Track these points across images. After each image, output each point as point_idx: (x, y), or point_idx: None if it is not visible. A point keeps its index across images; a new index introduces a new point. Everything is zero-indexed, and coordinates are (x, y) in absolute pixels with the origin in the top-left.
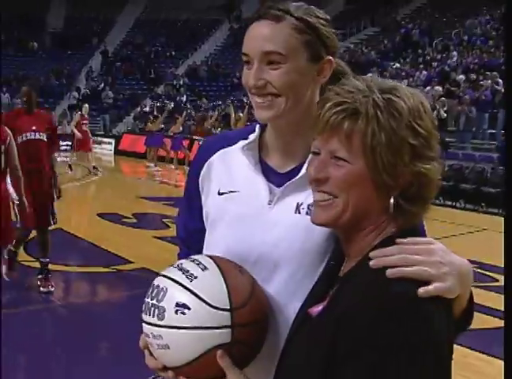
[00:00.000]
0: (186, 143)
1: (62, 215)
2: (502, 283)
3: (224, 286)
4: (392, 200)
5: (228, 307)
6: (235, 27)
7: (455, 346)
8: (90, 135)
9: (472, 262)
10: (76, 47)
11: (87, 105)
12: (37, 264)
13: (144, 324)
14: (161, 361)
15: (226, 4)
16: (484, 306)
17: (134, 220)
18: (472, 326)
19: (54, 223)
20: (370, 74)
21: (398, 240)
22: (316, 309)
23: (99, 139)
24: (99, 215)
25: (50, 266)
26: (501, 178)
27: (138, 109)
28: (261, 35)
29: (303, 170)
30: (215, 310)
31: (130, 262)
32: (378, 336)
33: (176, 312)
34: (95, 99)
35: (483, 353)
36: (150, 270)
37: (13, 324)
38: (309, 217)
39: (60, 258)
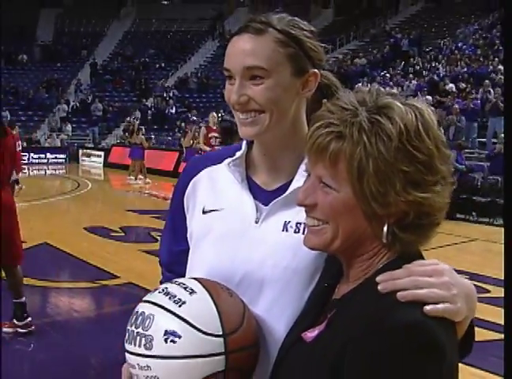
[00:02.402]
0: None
1: (48, 229)
2: (494, 294)
3: (215, 310)
4: (385, 229)
5: (221, 333)
6: (224, 38)
7: None
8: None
9: (462, 273)
10: (65, 60)
11: (214, 113)
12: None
13: (128, 355)
14: None
15: (215, 16)
16: (476, 319)
17: (122, 234)
18: None
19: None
20: (359, 84)
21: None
22: (311, 334)
23: (89, 152)
24: (86, 228)
25: (36, 282)
26: (492, 187)
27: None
28: (242, 50)
29: (291, 188)
30: (207, 337)
31: (117, 277)
32: (387, 367)
33: (166, 340)
34: (84, 112)
35: (478, 368)
36: (137, 285)
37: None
38: (297, 235)
39: (46, 273)
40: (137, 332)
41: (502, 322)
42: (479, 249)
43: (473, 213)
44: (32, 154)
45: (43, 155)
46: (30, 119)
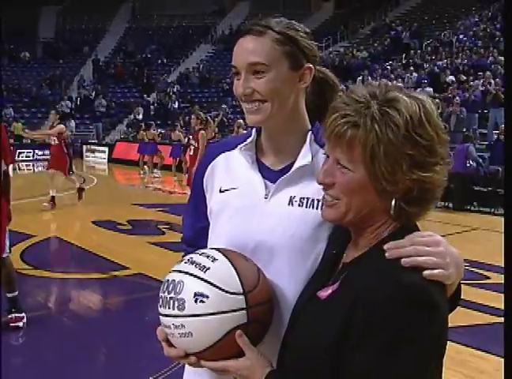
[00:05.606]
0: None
1: (57, 223)
2: (494, 281)
3: (235, 273)
4: (393, 203)
5: (242, 291)
6: (226, 33)
7: (448, 342)
8: None
9: (464, 260)
10: (67, 56)
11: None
12: (33, 272)
13: (162, 318)
14: (183, 348)
15: (217, 10)
16: (476, 303)
17: (129, 227)
18: (465, 323)
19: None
20: (360, 77)
21: (407, 235)
22: (324, 293)
23: (93, 147)
24: (94, 222)
25: (48, 274)
26: (492, 177)
27: (131, 116)
28: (246, 49)
29: (294, 167)
30: (231, 296)
31: (127, 268)
32: (393, 320)
33: (196, 301)
34: (87, 108)
35: (478, 349)
36: (146, 275)
37: (10, 332)
38: (301, 208)
39: (58, 266)
40: (170, 297)
41: (500, 306)
42: (479, 237)
43: (474, 203)
44: (36, 150)
45: (47, 152)
46: (33, 116)
